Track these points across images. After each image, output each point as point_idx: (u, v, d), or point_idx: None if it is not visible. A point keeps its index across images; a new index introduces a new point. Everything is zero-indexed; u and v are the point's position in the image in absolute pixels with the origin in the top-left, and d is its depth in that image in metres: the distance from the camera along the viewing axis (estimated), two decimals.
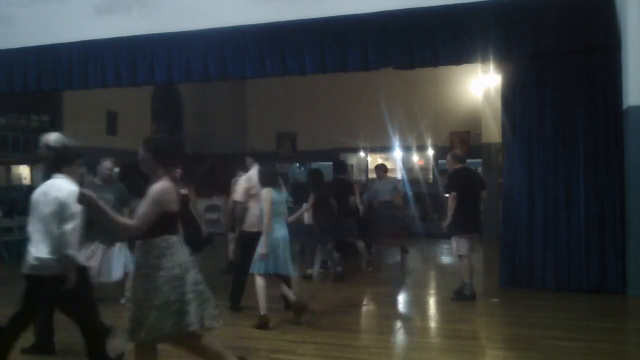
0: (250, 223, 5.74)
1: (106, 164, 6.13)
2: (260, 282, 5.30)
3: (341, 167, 8.94)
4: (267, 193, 5.27)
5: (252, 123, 16.62)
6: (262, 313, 5.28)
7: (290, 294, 5.43)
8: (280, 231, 5.33)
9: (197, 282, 3.32)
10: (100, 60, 8.13)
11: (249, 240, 5.61)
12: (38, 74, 8.47)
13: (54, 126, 12.32)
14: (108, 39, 8.08)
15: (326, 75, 7.96)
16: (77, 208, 3.70)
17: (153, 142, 3.51)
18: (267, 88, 14.61)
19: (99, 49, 8.14)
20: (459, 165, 6.51)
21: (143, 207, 3.23)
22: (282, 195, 5.48)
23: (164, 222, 3.26)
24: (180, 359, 3.76)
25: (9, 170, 12.11)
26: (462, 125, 14.52)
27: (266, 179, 5.38)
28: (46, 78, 8.46)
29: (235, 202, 5.97)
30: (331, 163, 10.85)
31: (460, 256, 6.35)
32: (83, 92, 9.68)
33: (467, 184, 6.39)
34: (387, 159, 16.26)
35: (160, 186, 3.28)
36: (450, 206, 6.31)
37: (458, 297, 6.31)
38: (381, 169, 9.11)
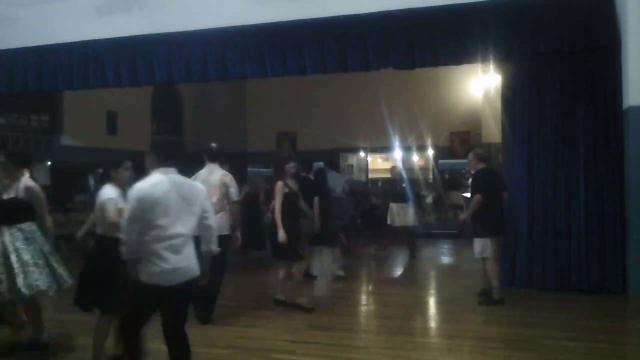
0: None
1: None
2: None
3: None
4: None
5: (252, 123, 16.64)
6: None
7: None
8: None
9: None
10: (100, 60, 8.13)
11: None
12: (38, 74, 8.47)
13: (54, 126, 12.36)
14: (108, 39, 8.07)
15: (326, 75, 7.96)
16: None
17: None
18: (267, 88, 14.63)
19: (99, 49, 8.14)
20: (482, 165, 6.33)
21: None
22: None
23: None
24: None
25: None
26: (462, 125, 14.54)
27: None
28: (46, 78, 8.45)
29: None
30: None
31: (485, 259, 6.16)
32: (83, 92, 9.69)
33: (492, 184, 6.25)
34: (387, 159, 16.30)
35: None
36: (474, 208, 6.12)
37: (486, 301, 6.13)
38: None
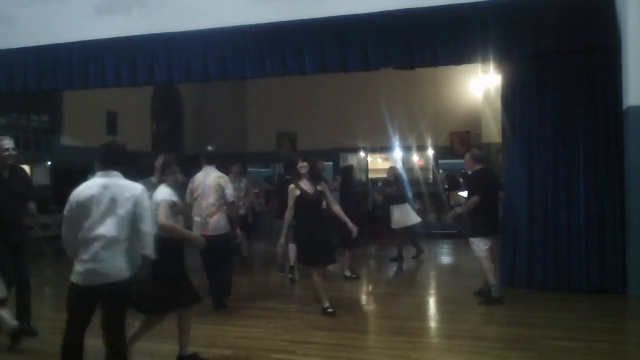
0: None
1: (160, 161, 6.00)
2: None
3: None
4: None
5: (252, 123, 16.64)
6: None
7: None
8: None
9: None
10: (100, 60, 8.13)
11: None
12: (38, 74, 8.46)
13: (54, 126, 12.35)
14: (108, 39, 8.07)
15: (326, 75, 7.95)
16: None
17: None
18: (267, 88, 14.64)
19: (99, 49, 8.13)
20: (479, 166, 6.37)
21: None
22: None
23: None
24: None
25: None
26: (462, 125, 14.54)
27: None
28: (46, 78, 8.45)
29: None
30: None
31: (481, 258, 6.20)
32: (83, 92, 9.69)
33: (490, 185, 6.31)
34: (387, 159, 16.30)
35: None
36: (469, 207, 6.20)
37: (486, 301, 6.14)
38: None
